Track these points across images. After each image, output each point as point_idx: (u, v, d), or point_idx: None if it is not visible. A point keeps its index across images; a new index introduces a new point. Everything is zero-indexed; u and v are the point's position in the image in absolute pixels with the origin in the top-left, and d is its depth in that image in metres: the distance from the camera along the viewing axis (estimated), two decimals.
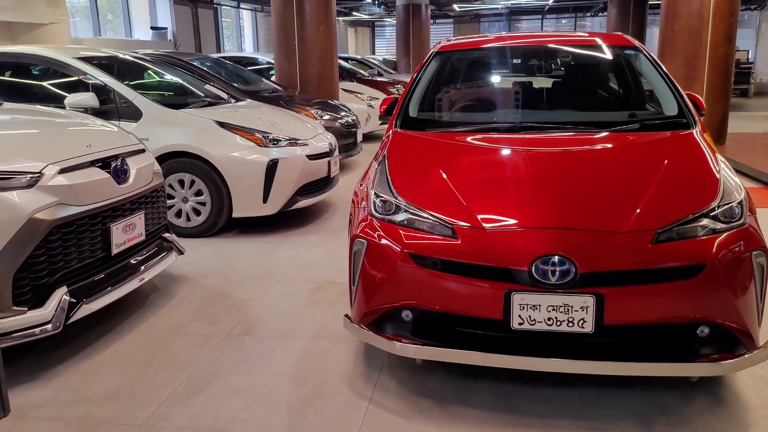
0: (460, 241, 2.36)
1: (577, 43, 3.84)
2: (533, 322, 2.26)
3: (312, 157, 5.12)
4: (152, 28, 14.14)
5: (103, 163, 3.08)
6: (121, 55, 5.69)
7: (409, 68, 17.27)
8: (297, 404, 2.51)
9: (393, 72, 16.21)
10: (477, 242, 2.34)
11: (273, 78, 9.23)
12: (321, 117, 7.20)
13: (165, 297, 3.66)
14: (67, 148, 2.97)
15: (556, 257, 2.22)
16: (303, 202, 5.11)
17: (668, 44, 8.68)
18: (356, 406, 2.49)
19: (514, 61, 3.81)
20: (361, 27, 29.61)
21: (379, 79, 13.41)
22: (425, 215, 2.49)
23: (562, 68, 3.82)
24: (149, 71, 5.80)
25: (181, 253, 3.73)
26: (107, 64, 5.22)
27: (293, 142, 5.05)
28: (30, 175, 2.70)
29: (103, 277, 3.04)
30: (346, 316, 2.68)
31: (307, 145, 5.15)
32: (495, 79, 3.82)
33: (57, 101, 4.85)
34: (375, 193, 2.68)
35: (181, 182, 4.81)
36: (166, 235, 3.69)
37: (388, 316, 2.54)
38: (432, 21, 18.88)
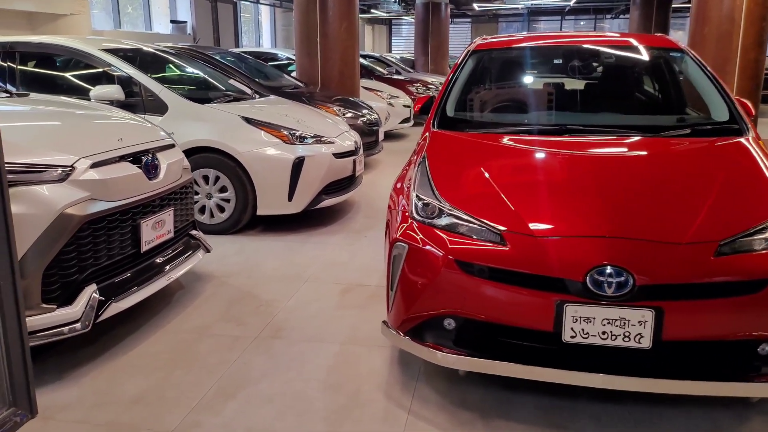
0: (509, 248, 2.25)
1: (619, 44, 3.71)
2: (586, 336, 2.15)
3: (338, 155, 5.03)
4: (172, 21, 14.10)
5: (134, 158, 3.00)
6: (144, 48, 5.61)
7: (427, 67, 17.14)
8: (333, 414, 2.42)
9: (411, 70, 16.09)
10: (528, 250, 2.23)
11: (293, 74, 9.15)
12: (343, 114, 7.10)
13: (190, 296, 3.58)
14: (99, 142, 2.90)
15: (613, 268, 2.11)
16: (328, 201, 5.02)
17: (697, 48, 8.49)
18: (395, 417, 2.39)
19: (555, 61, 3.70)
20: (378, 25, 29.49)
21: (397, 77, 13.29)
22: (471, 220, 2.38)
23: (604, 70, 3.69)
24: (172, 65, 5.72)
25: (207, 251, 3.65)
26: (131, 57, 5.15)
27: (319, 139, 4.95)
28: (61, 169, 2.62)
29: (131, 274, 2.97)
30: (384, 322, 2.58)
31: (333, 143, 5.05)
32: (535, 79, 3.70)
33: (81, 93, 4.79)
34: (417, 196, 2.58)
35: (206, 178, 4.73)
36: (194, 232, 3.61)
37: (429, 323, 2.44)
38: (450, 20, 18.70)
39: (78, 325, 2.61)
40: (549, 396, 2.49)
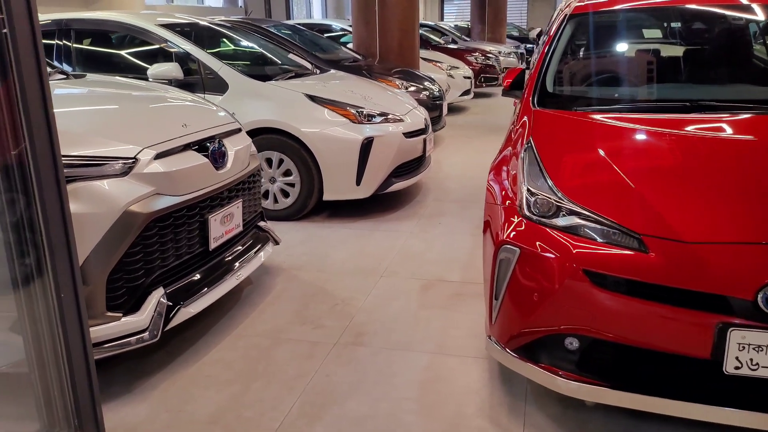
0: (653, 257, 1.85)
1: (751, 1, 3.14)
2: (755, 367, 1.75)
3: (408, 134, 4.65)
4: None
5: (200, 146, 2.71)
6: (201, 22, 5.32)
7: (484, 35, 16.40)
8: None
9: (467, 39, 15.42)
10: (678, 259, 1.82)
11: (349, 46, 8.75)
12: (406, 88, 6.69)
13: (259, 292, 3.31)
14: (162, 129, 2.61)
15: None
16: (398, 185, 4.66)
17: None
18: None
19: (672, 24, 3.19)
20: None
21: (454, 46, 12.70)
22: (600, 219, 1.99)
23: (735, 33, 3.14)
24: (229, 39, 5.42)
25: (276, 243, 3.37)
26: (188, 32, 4.87)
27: (388, 118, 4.58)
28: (123, 162, 2.34)
29: (200, 275, 2.70)
30: (489, 337, 2.22)
31: (402, 121, 4.67)
32: (650, 46, 3.19)
33: (138, 72, 4.55)
34: (528, 190, 2.19)
35: (269, 161, 4.44)
36: (261, 223, 3.33)
37: (545, 341, 2.07)
38: None
39: (146, 335, 2.36)
40: (681, 426, 2.10)
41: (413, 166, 4.89)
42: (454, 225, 4.41)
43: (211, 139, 2.79)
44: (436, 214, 4.67)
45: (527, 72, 3.32)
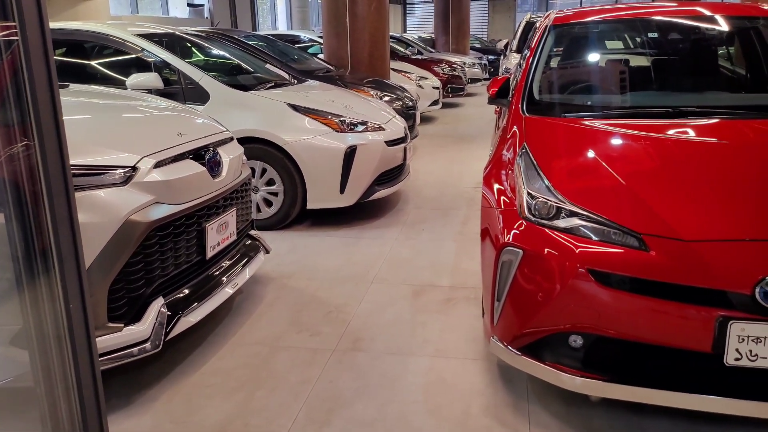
0: (654, 254, 1.93)
1: (722, 13, 3.30)
2: (754, 358, 1.84)
3: (389, 142, 4.70)
4: (189, 5, 13.70)
5: (195, 154, 2.70)
6: (177, 32, 5.28)
7: (448, 47, 16.66)
8: None
9: (432, 50, 15.63)
10: (678, 256, 1.91)
11: (320, 56, 8.78)
12: (380, 98, 6.76)
13: (252, 301, 3.29)
14: (159, 138, 2.59)
15: None
16: (381, 193, 4.70)
17: None
18: None
19: (650, 34, 3.33)
20: (392, 5, 28.81)
21: (421, 57, 12.86)
22: (600, 219, 2.07)
23: (705, 43, 3.31)
24: (207, 49, 5.39)
25: (267, 251, 3.36)
26: (166, 42, 4.83)
27: (370, 126, 4.63)
28: (124, 170, 2.32)
29: (197, 284, 2.68)
30: (494, 337, 2.27)
31: (383, 129, 4.73)
32: (632, 55, 3.33)
33: (114, 82, 4.49)
34: (528, 193, 2.26)
35: (252, 170, 4.41)
36: (252, 232, 3.32)
37: (549, 340, 2.13)
38: None
39: (148, 345, 2.33)
40: (684, 421, 2.19)
41: (395, 174, 4.94)
42: (437, 231, 4.47)
43: (206, 147, 2.78)
44: (418, 222, 4.72)
45: (512, 81, 3.41)
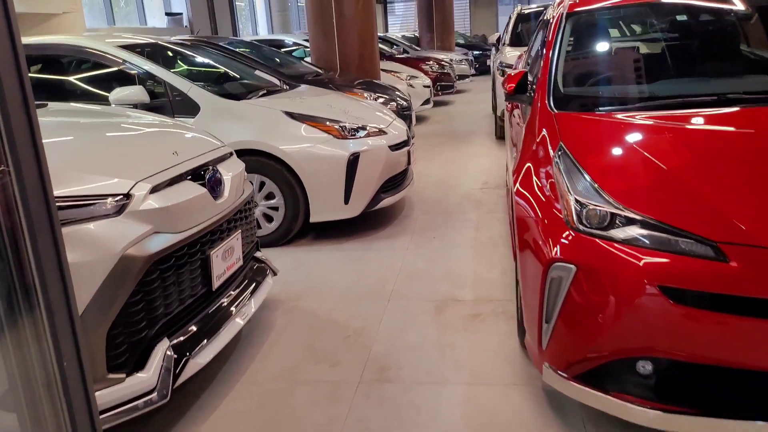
0: (736, 266, 1.69)
1: None
2: None
3: (393, 147, 4.44)
4: (167, 14, 13.34)
5: (194, 174, 2.42)
6: (161, 42, 4.99)
7: (433, 44, 16.43)
8: None
9: (418, 48, 15.39)
10: (763, 266, 1.67)
11: (307, 59, 8.50)
12: (375, 99, 6.50)
13: (261, 330, 3.02)
14: (153, 159, 2.31)
15: None
16: (387, 200, 4.43)
17: None
18: None
19: (678, 18, 3.09)
20: None
21: (408, 56, 12.62)
22: (666, 228, 1.82)
23: (736, 25, 3.07)
24: (193, 59, 5.10)
25: (275, 274, 3.09)
26: (150, 53, 4.53)
27: (371, 131, 4.36)
28: (116, 198, 2.04)
29: (205, 319, 2.40)
30: (548, 365, 2.02)
31: (385, 133, 4.46)
32: (657, 42, 3.07)
33: (97, 98, 4.19)
34: (576, 200, 2.00)
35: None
36: (258, 254, 3.05)
37: (611, 366, 1.89)
38: None
39: (155, 396, 2.05)
40: None
41: (399, 179, 4.68)
42: (449, 238, 4.22)
43: (205, 166, 2.50)
44: (427, 228, 4.47)
45: (529, 75, 3.17)
